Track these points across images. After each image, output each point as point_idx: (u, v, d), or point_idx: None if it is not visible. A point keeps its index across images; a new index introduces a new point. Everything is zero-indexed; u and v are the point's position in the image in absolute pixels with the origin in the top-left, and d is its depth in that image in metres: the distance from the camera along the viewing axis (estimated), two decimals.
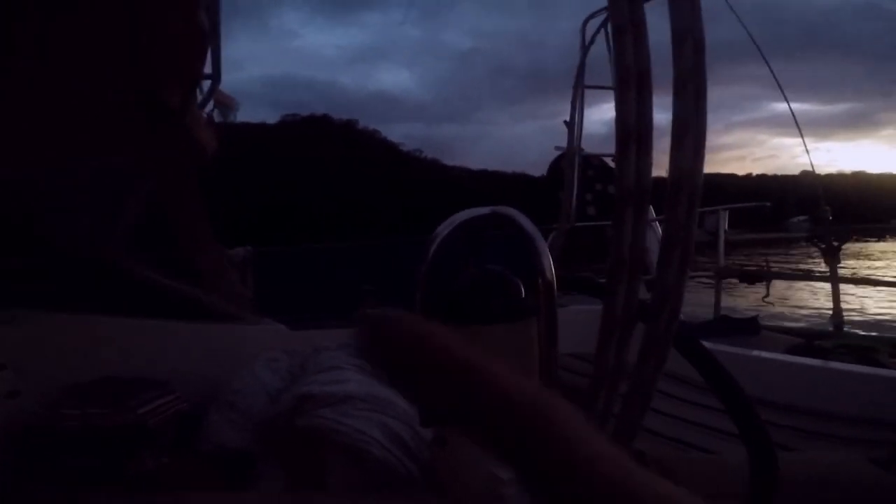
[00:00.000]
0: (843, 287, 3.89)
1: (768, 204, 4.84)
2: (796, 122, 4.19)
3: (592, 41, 3.51)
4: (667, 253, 0.64)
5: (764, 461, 0.69)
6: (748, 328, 3.24)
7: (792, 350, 2.91)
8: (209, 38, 0.86)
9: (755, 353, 2.35)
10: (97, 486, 1.10)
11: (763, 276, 4.28)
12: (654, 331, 0.64)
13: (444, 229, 0.76)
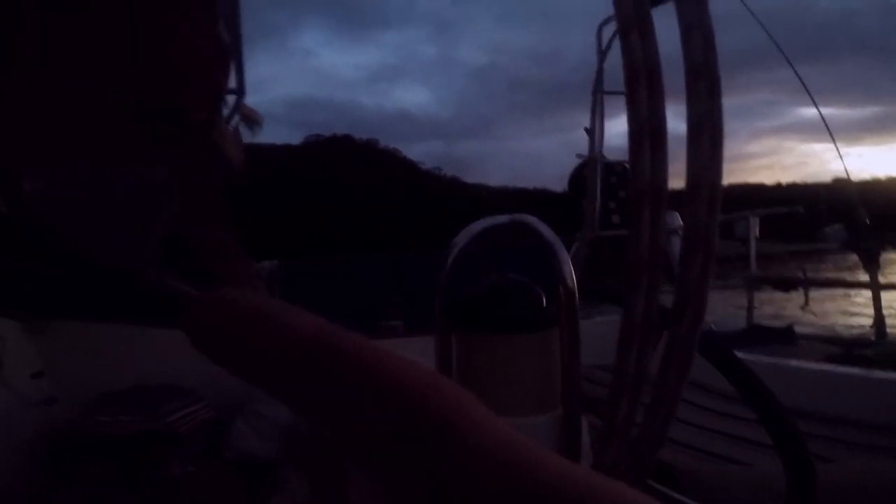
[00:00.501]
0: (885, 296, 3.74)
1: (801, 209, 4.67)
2: (827, 126, 4.08)
3: (609, 46, 3.49)
4: (688, 254, 0.63)
5: (800, 472, 0.66)
6: (783, 337, 3.14)
7: (830, 359, 2.81)
8: (231, 51, 0.89)
9: (791, 362, 2.28)
10: (125, 491, 1.13)
11: (799, 283, 4.16)
12: (676, 335, 0.62)
13: (463, 238, 0.76)
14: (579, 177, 3.78)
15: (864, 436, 1.71)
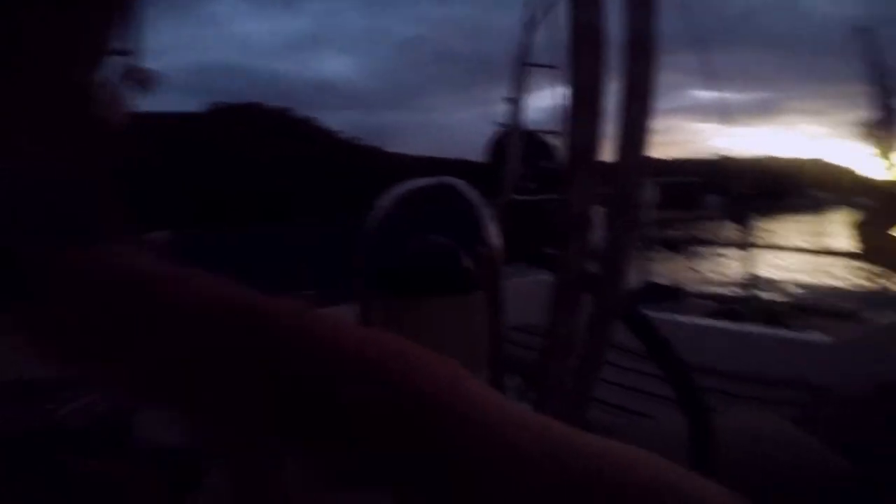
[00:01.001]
0: (757, 255, 4.22)
1: (696, 180, 5.15)
2: (721, 109, 4.48)
3: (537, 19, 3.58)
4: (612, 222, 0.65)
5: (702, 425, 0.73)
6: (673, 294, 3.46)
7: (712, 315, 3.14)
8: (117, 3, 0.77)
9: (680, 318, 2.52)
10: (19, 498, 1.00)
11: (686, 243, 4.59)
12: (604, 299, 0.65)
13: (386, 201, 0.73)
14: (499, 145, 3.86)
15: (741, 387, 1.94)
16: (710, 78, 4.47)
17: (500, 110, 3.82)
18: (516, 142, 3.67)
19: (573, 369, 0.66)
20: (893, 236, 3.02)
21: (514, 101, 3.78)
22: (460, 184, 0.74)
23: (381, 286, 0.66)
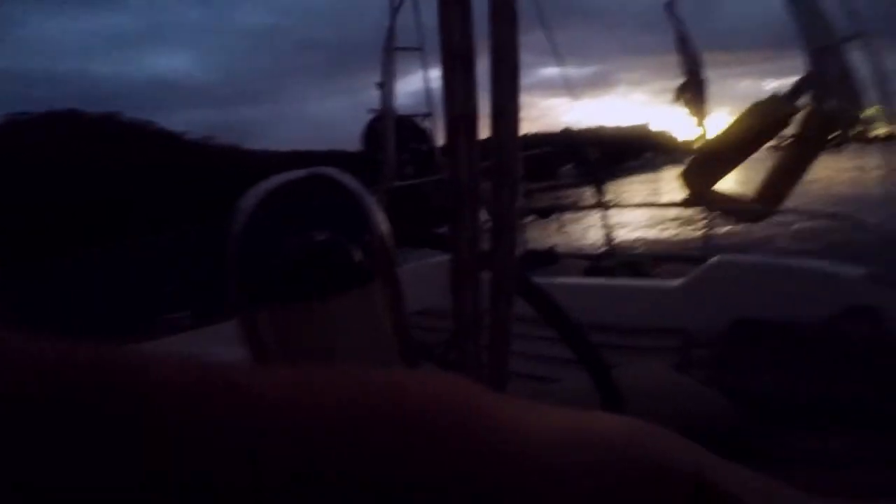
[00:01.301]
0: (613, 214, 4.65)
1: (551, 150, 5.54)
2: (566, 84, 4.80)
3: (402, 2, 3.58)
4: (498, 191, 0.63)
5: (606, 381, 0.75)
6: (550, 259, 3.68)
7: (585, 273, 3.39)
8: None
9: (559, 279, 2.67)
10: None
11: (551, 210, 4.94)
12: (500, 272, 0.63)
13: (251, 199, 0.64)
14: (373, 132, 3.81)
15: (624, 339, 2.09)
16: (555, 55, 4.80)
17: (372, 97, 3.76)
18: (391, 127, 3.66)
19: (485, 347, 0.63)
20: (712, 182, 3.50)
21: (385, 87, 3.75)
22: (335, 172, 0.68)
23: (263, 296, 0.59)
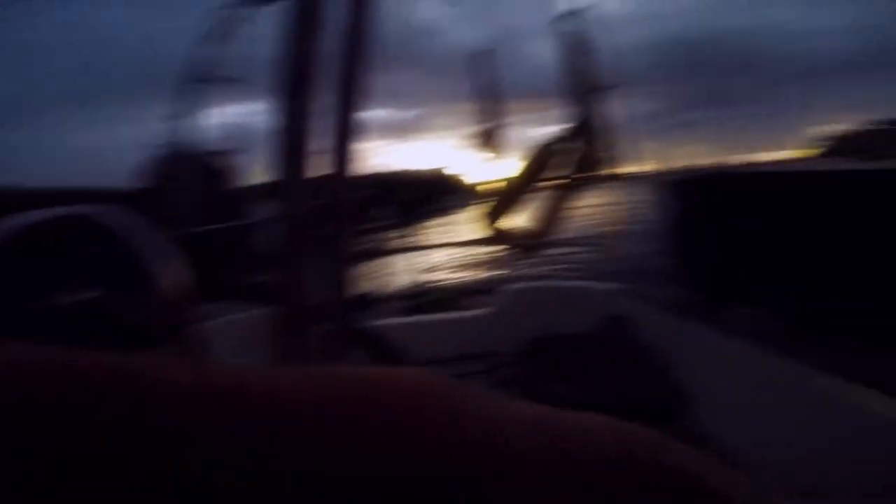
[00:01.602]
0: (422, 254, 4.90)
1: (368, 193, 5.64)
2: (386, 127, 5.01)
3: (217, 33, 3.32)
4: (334, 236, 0.63)
5: None
6: (368, 302, 3.69)
7: (402, 313, 3.47)
8: None
9: (381, 322, 2.70)
10: None
11: (365, 252, 5.00)
12: (338, 325, 0.62)
13: None
14: (161, 169, 3.36)
15: (442, 368, 2.21)
16: (377, 99, 4.98)
17: (158, 130, 3.35)
18: (185, 165, 3.30)
19: None
20: (504, 221, 3.95)
21: (181, 119, 3.38)
22: (101, 213, 0.55)
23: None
